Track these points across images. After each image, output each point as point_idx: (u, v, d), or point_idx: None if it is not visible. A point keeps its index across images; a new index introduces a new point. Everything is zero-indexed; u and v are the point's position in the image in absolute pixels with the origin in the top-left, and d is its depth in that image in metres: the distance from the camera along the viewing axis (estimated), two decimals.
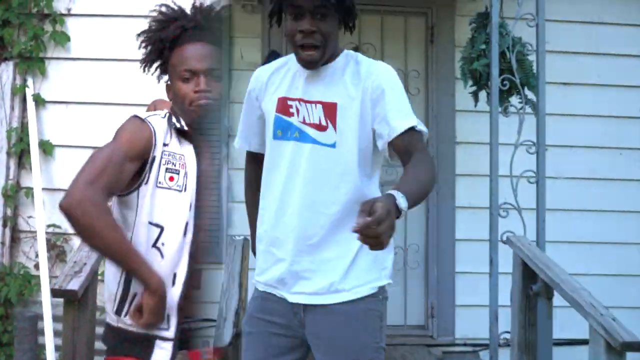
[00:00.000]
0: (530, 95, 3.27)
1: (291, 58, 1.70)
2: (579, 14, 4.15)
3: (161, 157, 1.64)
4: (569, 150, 4.11)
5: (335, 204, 1.59)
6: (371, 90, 1.60)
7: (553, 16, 3.56)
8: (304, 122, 1.63)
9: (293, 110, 1.64)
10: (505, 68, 3.06)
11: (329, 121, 1.62)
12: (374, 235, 1.15)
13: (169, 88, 1.77)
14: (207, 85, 1.68)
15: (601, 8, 4.19)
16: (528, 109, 3.21)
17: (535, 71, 3.07)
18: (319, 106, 1.63)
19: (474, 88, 3.34)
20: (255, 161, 1.82)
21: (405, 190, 1.30)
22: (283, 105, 1.65)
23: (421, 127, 1.58)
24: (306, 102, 1.64)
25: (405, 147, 1.55)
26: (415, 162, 1.50)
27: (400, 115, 1.58)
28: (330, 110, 1.62)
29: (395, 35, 4.17)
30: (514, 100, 3.28)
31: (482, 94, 3.39)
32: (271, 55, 3.93)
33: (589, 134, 4.13)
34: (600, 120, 4.16)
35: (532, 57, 3.17)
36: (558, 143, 3.85)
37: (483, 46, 3.09)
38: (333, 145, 1.61)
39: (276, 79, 1.71)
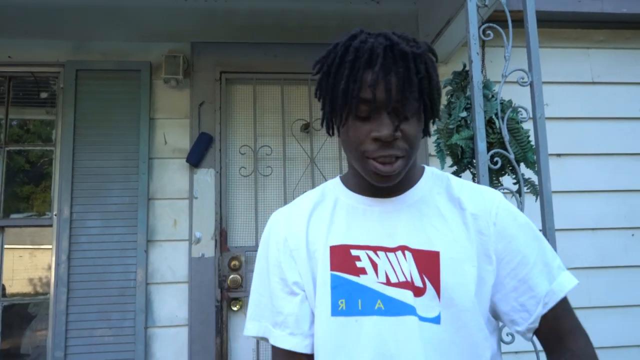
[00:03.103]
0: (527, 172, 2.56)
1: (333, 187, 1.19)
2: (570, 74, 3.56)
3: None
4: (572, 235, 3.40)
5: None
6: (495, 237, 1.08)
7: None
8: (388, 283, 1.03)
9: (364, 264, 1.05)
10: (495, 140, 2.33)
11: (426, 279, 1.04)
12: None
13: None
14: None
15: (591, 66, 3.61)
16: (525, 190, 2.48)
17: (533, 143, 2.34)
18: (409, 255, 1.05)
19: (455, 168, 2.60)
20: None
21: None
22: (343, 258, 1.06)
23: (571, 280, 1.12)
24: (387, 250, 1.06)
25: (551, 327, 1.08)
26: None
27: (547, 269, 1.10)
28: (428, 262, 1.05)
29: None
30: (507, 180, 2.56)
31: (466, 175, 2.66)
32: (202, 139, 3.21)
33: (591, 213, 3.46)
34: (605, 196, 3.49)
35: (526, 125, 2.46)
36: (558, 227, 3.13)
37: (464, 114, 2.36)
38: (436, 320, 1.02)
39: (322, 218, 1.13)
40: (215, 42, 3.38)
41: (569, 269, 3.32)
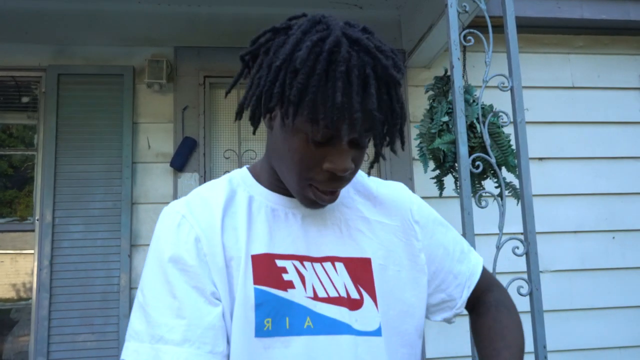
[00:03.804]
0: (508, 176, 2.59)
1: (242, 180, 0.98)
2: (550, 79, 3.61)
3: None
4: (553, 237, 3.44)
5: None
6: (420, 235, 1.02)
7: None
8: (315, 298, 0.89)
9: (291, 276, 0.89)
10: (476, 145, 2.36)
11: (362, 290, 0.93)
12: None
13: None
14: None
15: (571, 72, 3.66)
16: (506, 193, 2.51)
17: (514, 147, 2.37)
18: (340, 266, 0.93)
19: (437, 172, 2.63)
20: None
21: None
22: (268, 270, 0.88)
23: (479, 256, 1.12)
24: (313, 260, 0.92)
25: (473, 297, 1.08)
26: (501, 318, 1.04)
27: (463, 255, 1.08)
28: (361, 270, 0.94)
29: None
30: (489, 184, 2.58)
31: (448, 179, 2.69)
32: (186, 143, 3.21)
33: (573, 217, 3.51)
34: (586, 200, 3.53)
35: (507, 130, 2.49)
36: (540, 229, 3.17)
37: (445, 118, 2.39)
38: (378, 333, 0.91)
39: (237, 220, 0.92)
40: (199, 46, 3.39)
41: (551, 271, 3.36)
